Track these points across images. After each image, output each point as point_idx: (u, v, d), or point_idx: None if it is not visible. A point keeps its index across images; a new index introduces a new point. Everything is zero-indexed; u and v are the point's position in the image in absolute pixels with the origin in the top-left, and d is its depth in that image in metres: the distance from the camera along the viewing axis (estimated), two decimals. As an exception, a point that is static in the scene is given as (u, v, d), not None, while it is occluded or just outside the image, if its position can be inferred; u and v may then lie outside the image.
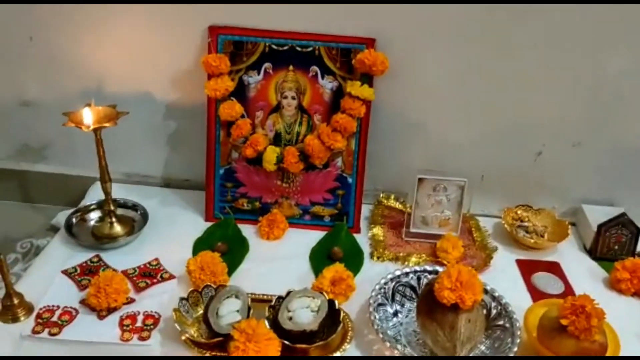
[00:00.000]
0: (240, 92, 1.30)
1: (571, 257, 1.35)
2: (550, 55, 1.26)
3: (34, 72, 1.39)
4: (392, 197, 1.47)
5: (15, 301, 1.08)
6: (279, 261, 1.28)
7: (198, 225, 1.37)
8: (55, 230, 1.43)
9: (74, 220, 1.33)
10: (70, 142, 1.48)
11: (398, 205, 1.46)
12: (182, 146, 1.47)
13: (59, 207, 1.50)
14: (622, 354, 1.04)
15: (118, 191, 1.40)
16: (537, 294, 1.23)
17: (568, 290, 1.24)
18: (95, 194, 1.44)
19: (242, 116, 1.30)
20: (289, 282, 1.18)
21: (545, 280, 1.27)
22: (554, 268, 1.31)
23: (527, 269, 1.30)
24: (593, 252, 1.35)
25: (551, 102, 1.32)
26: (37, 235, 1.43)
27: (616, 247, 1.33)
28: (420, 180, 1.32)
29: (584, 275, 1.29)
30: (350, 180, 1.35)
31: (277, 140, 1.33)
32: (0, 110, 1.44)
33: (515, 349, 1.03)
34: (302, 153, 1.30)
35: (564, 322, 1.00)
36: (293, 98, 1.31)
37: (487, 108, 1.34)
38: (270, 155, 1.30)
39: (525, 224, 1.41)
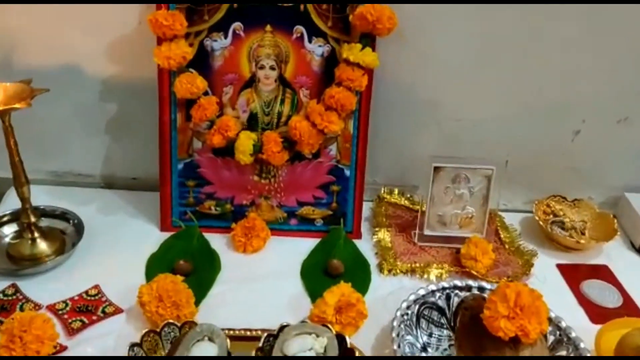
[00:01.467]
0: (201, 62, 0.98)
1: (619, 257, 1.10)
2: (591, 16, 1.01)
3: None
4: (396, 191, 1.19)
5: None
6: (261, 281, 0.98)
7: (151, 237, 1.05)
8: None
9: (-15, 240, 0.99)
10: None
11: (405, 202, 1.18)
12: (126, 135, 1.14)
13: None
14: None
15: (42, 196, 1.08)
16: (592, 309, 0.97)
17: (627, 302, 1.00)
18: (11, 202, 1.10)
19: (206, 93, 0.99)
20: (278, 310, 0.91)
21: (598, 290, 1.01)
22: (604, 273, 1.06)
23: (572, 275, 1.04)
24: (645, 251, 1.11)
25: (594, 71, 1.06)
26: None
27: (673, 243, 1.10)
28: (436, 169, 1.04)
29: None
30: (347, 172, 1.06)
31: (252, 123, 1.02)
32: None
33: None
34: (286, 139, 1.00)
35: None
36: (272, 68, 1.00)
37: (514, 80, 1.07)
38: (246, 143, 0.99)
39: (561, 218, 1.16)
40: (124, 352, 0.78)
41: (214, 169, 1.05)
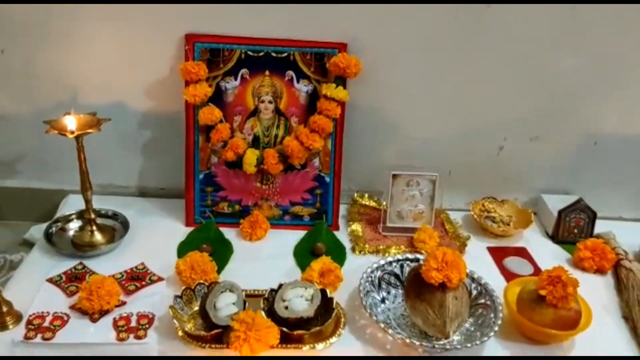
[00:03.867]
0: (217, 98, 1.34)
1: (536, 242, 1.45)
2: (507, 58, 1.37)
3: (6, 86, 1.38)
4: (366, 195, 1.53)
5: (4, 309, 1.06)
6: (264, 260, 1.30)
7: (179, 231, 1.38)
8: (29, 244, 1.41)
9: (53, 230, 1.31)
10: (40, 157, 1.47)
11: (372, 203, 1.52)
12: (157, 155, 1.48)
13: (29, 223, 1.47)
14: (593, 323, 1.13)
15: (94, 202, 1.39)
16: (510, 276, 1.30)
17: (537, 271, 1.33)
18: (67, 208, 1.42)
19: (221, 121, 1.34)
20: (276, 278, 1.20)
21: (515, 264, 1.35)
22: (522, 252, 1.40)
23: (498, 254, 1.38)
24: (555, 237, 1.45)
25: (510, 101, 1.42)
26: (10, 250, 1.41)
27: (575, 230, 1.44)
28: (394, 176, 1.39)
29: (549, 257, 1.38)
30: (327, 179, 1.40)
31: (255, 143, 1.37)
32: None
33: (499, 322, 1.10)
34: (281, 154, 1.35)
35: (542, 292, 1.08)
36: (270, 102, 1.35)
37: (453, 107, 1.43)
38: (251, 157, 1.33)
39: (492, 214, 1.50)
40: (167, 307, 1.10)
41: (226, 178, 1.39)
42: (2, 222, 1.50)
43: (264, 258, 1.31)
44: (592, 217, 1.43)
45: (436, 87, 1.40)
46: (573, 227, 1.44)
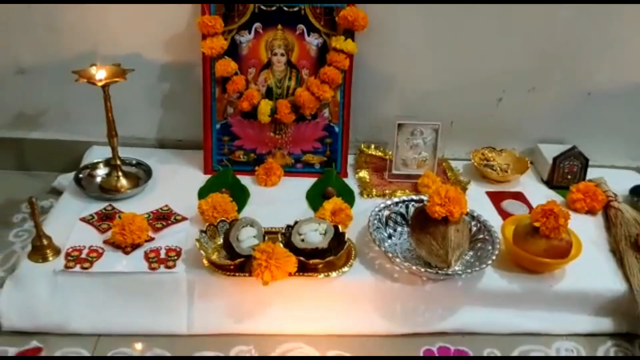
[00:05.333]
0: (233, 51, 1.42)
1: (532, 187, 1.54)
2: (505, 13, 1.45)
3: (29, 40, 1.46)
4: (373, 146, 1.62)
5: (45, 242, 1.16)
6: (278, 203, 1.40)
7: (198, 178, 1.47)
8: (57, 192, 1.51)
9: (82, 175, 1.40)
10: (64, 109, 1.55)
11: (378, 153, 1.61)
12: (174, 108, 1.57)
13: (55, 173, 1.57)
14: (581, 258, 1.23)
15: (120, 152, 1.48)
16: (507, 217, 1.40)
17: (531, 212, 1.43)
18: (91, 158, 1.51)
19: (236, 73, 1.42)
20: (291, 219, 1.28)
21: (512, 206, 1.45)
22: (519, 196, 1.50)
23: (496, 198, 1.48)
24: (550, 182, 1.55)
25: (507, 54, 1.51)
26: (40, 197, 1.50)
27: (569, 176, 1.54)
28: (399, 125, 1.48)
29: (544, 201, 1.43)
30: (337, 129, 1.49)
31: (269, 94, 1.45)
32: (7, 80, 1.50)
33: (497, 252, 1.20)
34: (294, 105, 1.43)
35: (536, 224, 1.18)
36: (282, 55, 1.43)
37: (454, 61, 1.51)
38: (265, 107, 1.42)
39: (491, 162, 1.60)
40: (192, 242, 1.20)
41: (241, 128, 1.47)
42: (30, 173, 1.59)
43: (279, 201, 1.40)
44: (585, 163, 1.53)
45: (438, 42, 1.48)
46: (567, 173, 1.54)
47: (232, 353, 1.12)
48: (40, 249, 1.15)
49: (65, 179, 1.51)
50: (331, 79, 1.41)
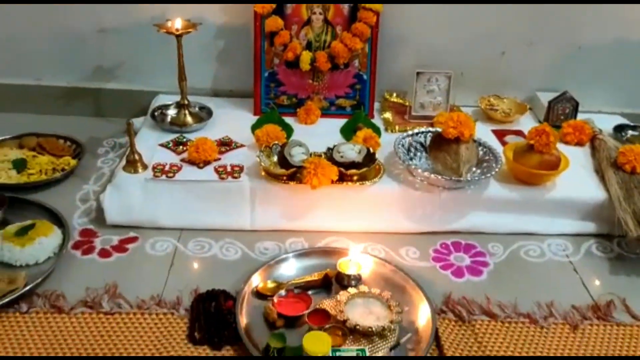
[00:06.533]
0: (279, 10, 1.69)
1: (530, 126, 1.79)
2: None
3: (112, 5, 1.75)
4: (394, 94, 1.90)
5: (137, 157, 1.45)
6: (317, 136, 1.67)
7: (249, 118, 1.75)
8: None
9: (156, 114, 1.69)
10: (136, 63, 1.84)
11: (399, 100, 1.89)
12: (227, 62, 1.85)
13: (126, 119, 1.85)
14: (570, 175, 1.50)
15: (176, 100, 1.77)
16: (509, 147, 1.68)
17: (530, 144, 1.71)
18: (157, 105, 1.80)
19: (282, 29, 1.70)
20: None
21: (513, 140, 1.72)
22: (519, 133, 1.77)
23: (500, 134, 1.76)
24: (545, 122, 1.82)
25: (510, 12, 1.78)
26: (117, 136, 1.79)
27: (562, 117, 1.80)
28: (418, 73, 1.76)
29: None
30: (365, 77, 1.77)
31: (308, 47, 1.73)
32: (80, 37, 1.79)
33: (500, 165, 1.48)
34: (330, 55, 1.71)
35: (531, 141, 1.46)
36: (320, 13, 1.71)
37: (464, 19, 1.79)
38: (306, 57, 1.70)
39: (496, 107, 1.87)
40: (251, 161, 1.49)
41: (286, 76, 1.76)
42: (106, 119, 1.88)
43: (317, 135, 1.68)
44: (575, 105, 1.79)
45: (450, 3, 1.75)
46: (560, 114, 1.80)
47: (287, 244, 1.40)
48: (133, 163, 1.44)
49: (137, 122, 1.80)
50: (361, 33, 1.69)
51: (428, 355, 1.10)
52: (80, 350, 1.07)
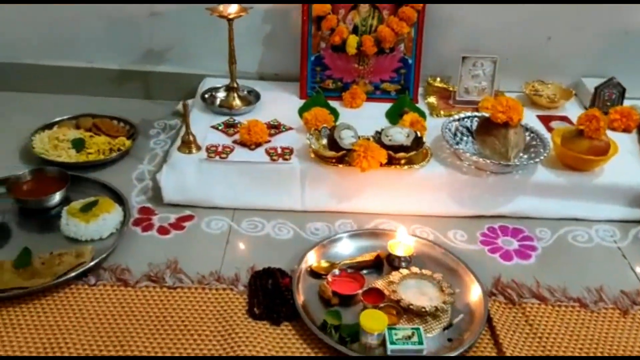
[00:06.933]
0: (327, -5, 1.72)
1: (576, 112, 1.79)
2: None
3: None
4: (438, 79, 1.91)
5: (191, 138, 1.49)
6: (363, 119, 1.68)
7: (295, 102, 1.78)
8: (179, 115, 1.85)
9: (206, 96, 1.73)
10: (185, 47, 1.88)
11: (443, 85, 1.90)
12: (273, 46, 1.88)
13: (174, 101, 1.91)
14: (617, 161, 1.50)
15: (224, 83, 1.80)
16: (555, 132, 1.69)
17: (576, 130, 1.71)
18: (205, 88, 1.83)
19: (329, 13, 1.72)
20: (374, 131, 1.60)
21: (559, 125, 1.72)
22: (565, 119, 1.77)
23: (546, 120, 1.76)
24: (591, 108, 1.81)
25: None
26: (166, 118, 1.84)
27: (608, 103, 1.79)
28: (463, 58, 1.76)
29: None
30: (410, 61, 1.78)
31: (355, 31, 1.75)
32: (132, 20, 1.83)
33: (548, 150, 1.48)
34: (376, 39, 1.73)
35: (581, 127, 1.46)
36: (367, -2, 1.73)
37: (510, 2, 1.78)
38: (352, 41, 1.72)
39: (540, 93, 1.87)
40: (300, 144, 1.52)
41: (332, 60, 1.78)
42: (155, 101, 1.93)
43: (362, 119, 1.69)
44: (622, 91, 1.78)
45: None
46: (606, 100, 1.79)
47: (336, 225, 1.44)
48: (188, 144, 1.49)
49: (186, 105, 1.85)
50: (408, 17, 1.70)
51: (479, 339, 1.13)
52: (147, 322, 1.13)
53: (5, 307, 1.13)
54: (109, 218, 1.33)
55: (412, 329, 1.11)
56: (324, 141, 1.53)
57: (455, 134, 1.60)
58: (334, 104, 1.77)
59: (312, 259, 1.29)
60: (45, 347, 1.07)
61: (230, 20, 1.60)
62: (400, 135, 1.50)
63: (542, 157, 1.47)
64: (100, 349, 1.07)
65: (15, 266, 1.19)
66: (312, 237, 1.39)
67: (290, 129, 1.63)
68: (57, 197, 1.39)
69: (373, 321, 1.08)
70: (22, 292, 1.14)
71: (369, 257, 1.30)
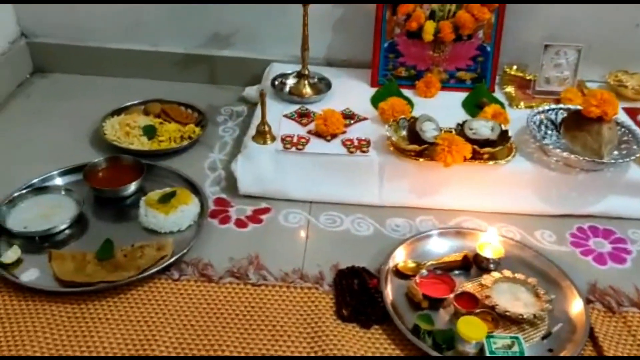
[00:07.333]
0: (402, -21, 1.64)
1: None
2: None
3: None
4: (515, 67, 1.82)
5: (267, 128, 1.45)
6: (439, 109, 1.59)
7: (366, 90, 1.71)
8: (245, 101, 1.81)
9: (276, 82, 1.68)
10: (251, 31, 1.83)
11: (520, 74, 1.81)
12: (342, 32, 1.81)
13: (238, 87, 1.86)
14: None
15: (292, 69, 1.74)
16: (644, 126, 1.59)
17: (665, 124, 1.61)
18: (272, 74, 1.78)
19: (406, -2, 1.65)
20: (452, 121, 1.53)
21: (648, 119, 1.63)
22: (653, 112, 1.67)
23: (632, 112, 1.65)
24: (682, 101, 1.71)
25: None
26: (232, 104, 1.80)
27: (698, 92, 1.69)
28: (545, 46, 1.67)
29: None
30: (489, 48, 1.70)
31: (431, 17, 1.67)
32: (199, 4, 1.78)
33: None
34: (454, 25, 1.65)
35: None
36: (444, -17, 1.65)
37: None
38: (429, 27, 1.64)
39: (625, 83, 1.76)
40: (376, 135, 1.46)
41: (406, 47, 1.70)
42: (220, 86, 1.89)
43: (438, 109, 1.62)
44: None
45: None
46: (696, 90, 1.69)
47: (417, 222, 1.38)
48: (263, 134, 1.44)
49: (252, 90, 1.81)
50: (489, 2, 1.61)
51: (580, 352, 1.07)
52: (234, 321, 1.10)
53: (92, 301, 1.11)
54: (187, 210, 1.30)
55: (511, 337, 1.05)
56: (403, 133, 1.47)
57: (539, 127, 1.52)
58: (406, 92, 1.71)
59: (396, 259, 1.24)
60: (135, 344, 1.05)
61: (305, 5, 1.53)
62: (485, 128, 1.42)
63: (637, 155, 1.38)
64: (190, 347, 1.05)
65: (98, 258, 1.18)
66: (393, 234, 1.34)
67: (365, 119, 1.57)
68: (132, 187, 1.36)
69: (472, 329, 1.02)
70: (109, 286, 1.13)
71: (456, 257, 1.25)
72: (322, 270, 1.21)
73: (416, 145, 1.40)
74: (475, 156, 1.40)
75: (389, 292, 1.16)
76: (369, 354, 1.04)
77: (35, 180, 1.38)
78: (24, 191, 1.33)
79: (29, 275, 1.15)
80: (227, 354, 1.03)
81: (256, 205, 1.40)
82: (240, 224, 1.35)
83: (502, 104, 1.65)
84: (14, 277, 1.14)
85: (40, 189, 1.35)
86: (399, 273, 1.21)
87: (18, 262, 1.18)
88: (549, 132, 1.53)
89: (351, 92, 1.70)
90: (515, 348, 1.03)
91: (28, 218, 1.27)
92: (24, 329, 1.05)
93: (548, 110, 1.55)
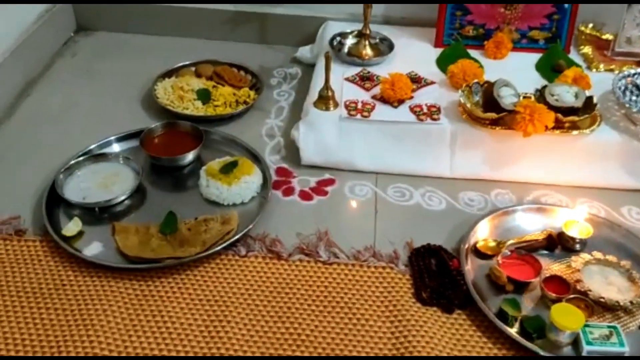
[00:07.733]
0: None
1: None
2: None
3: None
4: (590, 25, 1.68)
5: (330, 93, 1.35)
6: (510, 72, 1.47)
7: (429, 51, 1.60)
8: (298, 62, 1.71)
9: (334, 43, 1.57)
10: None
11: (596, 33, 1.67)
12: (404, -13, 1.69)
13: (290, 47, 1.76)
14: None
15: (348, 28, 1.62)
16: None
17: None
18: (327, 33, 1.66)
19: (477, -50, 1.51)
20: (528, 86, 1.41)
21: None
22: None
23: None
24: None
25: None
26: (285, 65, 1.71)
27: None
28: (630, 3, 1.52)
29: None
30: (566, 5, 1.56)
31: (504, -30, 1.54)
32: (250, -44, 1.68)
33: None
34: (531, -21, 1.52)
35: None
36: None
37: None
38: (502, -18, 1.51)
39: None
40: (446, 101, 1.36)
41: (474, 4, 1.57)
42: (271, 46, 1.79)
43: (510, 71, 1.49)
44: None
45: None
46: None
47: (492, 195, 1.29)
48: (325, 99, 1.35)
49: (306, 51, 1.71)
50: (572, -46, 1.47)
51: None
52: (308, 301, 1.04)
53: (159, 278, 1.06)
54: (250, 180, 1.23)
55: (609, 327, 0.97)
56: (476, 99, 1.36)
57: (624, 93, 1.40)
58: (473, 53, 1.59)
59: (474, 237, 1.16)
60: (207, 324, 1.00)
61: (369, -41, 1.42)
62: (568, 95, 1.31)
63: None
64: (264, 329, 1.00)
65: (163, 232, 1.12)
66: (467, 209, 1.26)
67: (432, 83, 1.46)
68: (191, 155, 1.30)
69: (568, 317, 0.94)
70: (175, 263, 1.07)
71: (539, 236, 1.16)
72: (396, 249, 1.14)
73: (493, 113, 1.30)
74: (557, 125, 1.30)
75: (469, 274, 1.08)
76: (454, 341, 0.98)
77: (92, 146, 1.32)
78: (81, 158, 1.27)
79: (92, 249, 1.09)
80: (303, 338, 0.98)
81: (319, 175, 1.33)
82: (305, 195, 1.27)
83: (580, 67, 1.53)
84: (77, 250, 1.09)
85: (97, 156, 1.29)
86: (477, 252, 1.14)
87: (79, 234, 1.13)
88: (634, 98, 1.41)
89: (414, 54, 1.58)
90: (614, 339, 0.95)
91: (86, 187, 1.21)
92: (92, 308, 1.01)
93: (634, 74, 1.42)
